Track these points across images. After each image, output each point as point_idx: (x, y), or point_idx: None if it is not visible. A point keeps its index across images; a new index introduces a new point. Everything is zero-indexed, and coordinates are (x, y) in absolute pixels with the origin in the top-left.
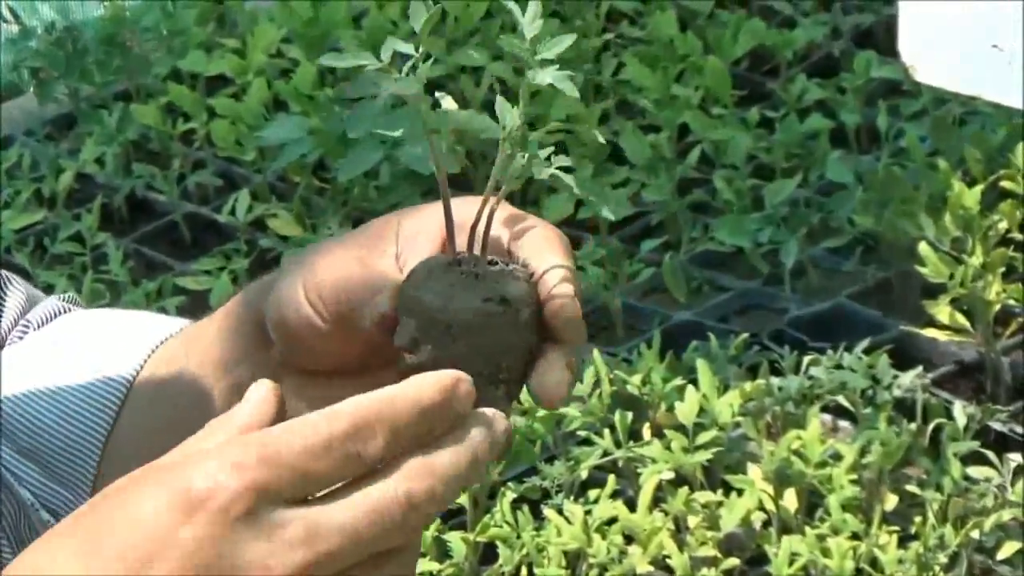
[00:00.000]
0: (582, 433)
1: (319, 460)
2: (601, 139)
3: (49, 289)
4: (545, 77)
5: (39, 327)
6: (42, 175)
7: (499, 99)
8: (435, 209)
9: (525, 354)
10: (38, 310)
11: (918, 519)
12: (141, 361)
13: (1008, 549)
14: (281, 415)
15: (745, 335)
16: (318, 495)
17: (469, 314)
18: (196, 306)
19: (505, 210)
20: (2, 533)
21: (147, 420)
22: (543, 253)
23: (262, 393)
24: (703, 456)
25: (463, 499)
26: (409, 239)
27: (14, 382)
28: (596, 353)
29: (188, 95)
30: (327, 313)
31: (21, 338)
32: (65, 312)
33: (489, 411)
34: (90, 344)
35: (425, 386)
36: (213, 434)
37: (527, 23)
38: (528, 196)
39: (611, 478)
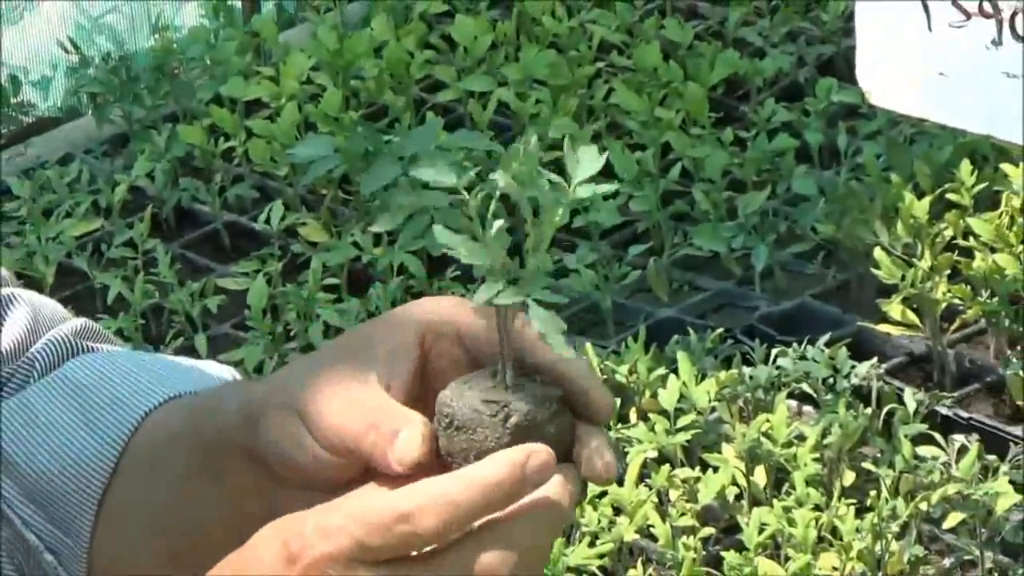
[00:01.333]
0: None
1: (376, 537)
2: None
3: (104, 290)
4: (584, 191)
5: (48, 366)
6: (99, 188)
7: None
8: (402, 319)
9: None
10: (46, 342)
11: (873, 493)
12: (134, 425)
13: (953, 519)
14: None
15: (720, 330)
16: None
17: (467, 410)
18: (235, 304)
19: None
20: (13, 568)
21: (142, 486)
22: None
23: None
24: (683, 437)
25: None
26: (388, 358)
27: (21, 429)
28: (588, 346)
29: (228, 117)
30: (338, 451)
31: (28, 375)
32: (76, 351)
33: (559, 477)
34: (90, 398)
35: (495, 464)
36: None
37: (582, 171)
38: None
39: None
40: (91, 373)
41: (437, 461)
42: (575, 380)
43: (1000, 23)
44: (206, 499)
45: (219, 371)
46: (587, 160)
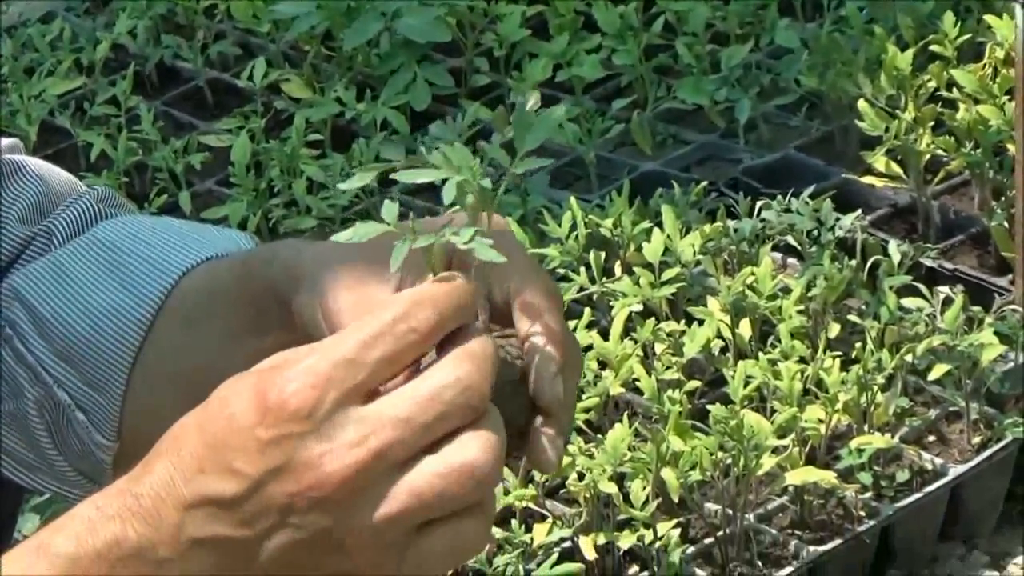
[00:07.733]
0: (561, 271)
1: (376, 348)
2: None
3: (87, 148)
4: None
5: (71, 231)
6: (81, 46)
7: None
8: (440, 225)
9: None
10: (67, 207)
11: (858, 345)
12: (171, 284)
13: (937, 371)
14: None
15: (704, 183)
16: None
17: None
18: (219, 160)
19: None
20: (42, 425)
21: (178, 343)
22: (535, 323)
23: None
24: (668, 290)
25: None
26: (415, 260)
27: (53, 288)
28: (572, 200)
29: None
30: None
31: (48, 240)
32: (101, 216)
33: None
34: (124, 258)
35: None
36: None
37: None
38: (512, 60)
39: (587, 310)
40: (123, 234)
41: None
42: (535, 369)
43: None
44: (246, 355)
45: (248, 240)
46: (534, 129)
